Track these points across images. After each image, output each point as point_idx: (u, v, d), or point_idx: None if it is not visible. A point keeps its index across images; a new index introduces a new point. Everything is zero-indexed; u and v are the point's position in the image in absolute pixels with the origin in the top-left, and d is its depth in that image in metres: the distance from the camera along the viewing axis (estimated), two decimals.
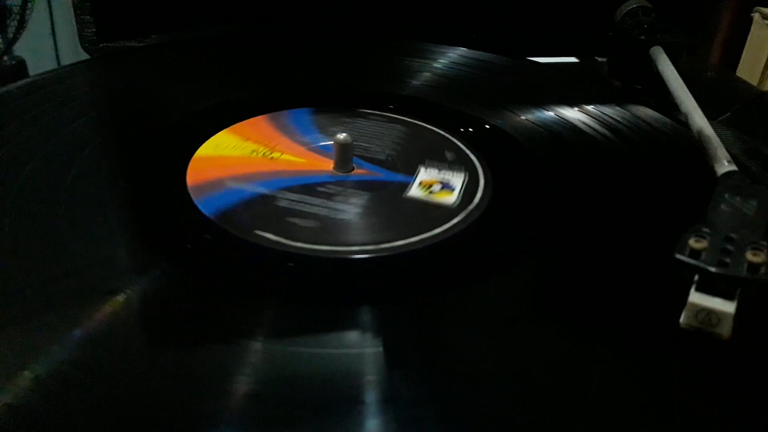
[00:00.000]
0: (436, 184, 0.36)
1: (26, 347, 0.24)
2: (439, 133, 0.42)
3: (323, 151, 0.39)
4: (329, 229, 0.32)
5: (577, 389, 0.24)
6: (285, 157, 0.38)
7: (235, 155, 0.38)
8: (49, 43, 1.08)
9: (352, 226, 0.32)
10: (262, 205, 0.33)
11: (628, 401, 0.24)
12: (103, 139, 0.38)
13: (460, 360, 0.25)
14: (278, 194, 0.34)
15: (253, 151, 0.38)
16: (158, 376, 0.23)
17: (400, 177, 0.37)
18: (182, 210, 0.32)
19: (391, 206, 0.34)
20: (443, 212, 0.33)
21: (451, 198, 0.35)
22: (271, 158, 0.38)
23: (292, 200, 0.34)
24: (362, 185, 0.36)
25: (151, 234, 0.31)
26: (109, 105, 0.44)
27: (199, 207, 0.32)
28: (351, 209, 0.33)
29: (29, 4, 1.02)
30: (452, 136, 0.41)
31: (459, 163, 0.38)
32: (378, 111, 0.44)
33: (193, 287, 0.28)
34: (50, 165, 0.35)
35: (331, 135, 0.39)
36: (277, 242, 0.30)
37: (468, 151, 0.40)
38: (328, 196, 0.34)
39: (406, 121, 0.43)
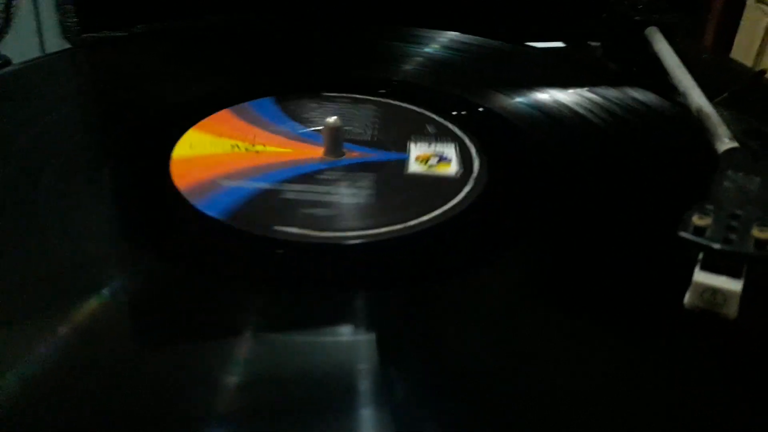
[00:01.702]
0: (433, 158, 0.35)
1: (12, 348, 0.23)
2: (412, 109, 0.41)
3: (306, 138, 0.37)
4: (349, 214, 0.31)
5: (581, 375, 0.23)
6: (270, 149, 0.36)
7: (217, 153, 0.35)
8: (36, 41, 1.07)
9: (369, 208, 0.31)
10: (269, 200, 0.31)
11: (632, 390, 0.23)
12: (78, 134, 0.37)
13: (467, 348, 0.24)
14: (281, 187, 0.33)
15: (233, 146, 0.36)
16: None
17: (393, 155, 0.36)
18: (188, 216, 0.30)
19: (399, 184, 0.33)
20: (450, 183, 0.33)
21: (451, 169, 0.35)
22: (256, 152, 0.36)
23: (298, 191, 0.32)
24: (361, 167, 0.35)
25: (168, 247, 0.29)
26: (85, 97, 0.42)
27: (205, 211, 0.30)
28: (362, 192, 0.32)
29: (13, 3, 1.00)
30: (426, 110, 0.40)
31: (443, 134, 0.38)
32: (343, 93, 0.42)
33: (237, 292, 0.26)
34: (28, 159, 0.33)
35: (306, 122, 0.38)
36: (304, 235, 0.29)
37: (448, 124, 0.39)
38: (333, 182, 0.33)
39: (375, 100, 0.42)
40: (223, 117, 0.39)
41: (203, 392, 0.21)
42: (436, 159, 0.35)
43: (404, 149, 0.36)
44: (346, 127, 0.38)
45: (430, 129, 0.38)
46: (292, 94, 0.42)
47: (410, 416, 0.21)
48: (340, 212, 0.31)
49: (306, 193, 0.32)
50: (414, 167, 0.35)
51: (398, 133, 0.38)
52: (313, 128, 0.38)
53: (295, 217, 0.30)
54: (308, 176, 0.34)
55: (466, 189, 0.33)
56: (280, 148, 0.36)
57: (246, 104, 0.40)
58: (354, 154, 0.36)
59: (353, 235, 0.29)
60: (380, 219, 0.30)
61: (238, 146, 0.36)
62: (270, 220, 0.30)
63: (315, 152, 0.36)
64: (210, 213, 0.30)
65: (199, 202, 0.31)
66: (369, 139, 0.37)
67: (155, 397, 0.21)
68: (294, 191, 0.32)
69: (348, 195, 0.32)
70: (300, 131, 0.38)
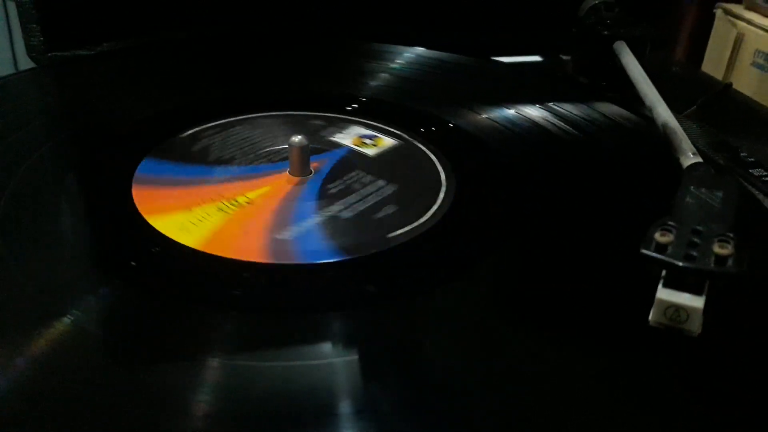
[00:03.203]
0: (363, 139, 0.39)
1: None
2: (426, 152, 0.39)
3: (262, 171, 0.36)
4: (405, 208, 0.33)
5: (552, 390, 0.23)
6: (253, 194, 0.34)
7: (221, 223, 0.31)
8: (8, 54, 1.06)
9: (419, 197, 0.34)
10: (341, 225, 0.31)
11: (604, 402, 0.23)
12: (49, 148, 0.37)
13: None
14: (327, 212, 0.32)
15: (220, 209, 0.32)
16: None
17: (338, 152, 0.38)
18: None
19: (399, 166, 0.36)
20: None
21: (385, 144, 0.39)
22: (249, 202, 0.33)
23: (344, 207, 0.33)
24: (344, 171, 0.36)
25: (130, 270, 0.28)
26: (55, 115, 0.42)
27: (305, 264, 0.29)
28: (390, 187, 0.35)
29: None
30: (438, 155, 0.38)
31: (330, 122, 0.41)
32: (204, 123, 0.40)
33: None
34: None
35: (225, 161, 0.36)
36: (408, 232, 0.31)
37: (443, 175, 0.37)
38: (357, 189, 0.34)
39: (243, 119, 0.41)
40: (146, 193, 0.33)
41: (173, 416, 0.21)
42: (366, 139, 0.39)
43: (334, 145, 0.39)
44: (266, 146, 0.38)
45: (318, 123, 0.41)
46: (161, 145, 0.38)
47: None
48: (396, 208, 0.33)
49: (351, 205, 0.33)
50: (368, 151, 0.38)
51: (303, 133, 0.36)
52: (237, 164, 0.36)
53: (380, 227, 0.31)
54: (326, 194, 0.34)
55: (434, 207, 0.33)
56: (261, 189, 0.34)
57: (143, 174, 0.35)
58: (316, 165, 0.36)
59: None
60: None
61: (223, 209, 0.32)
62: (371, 236, 0.31)
63: (285, 179, 0.35)
64: (316, 261, 0.29)
65: (287, 261, 0.29)
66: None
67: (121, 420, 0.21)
68: (343, 209, 0.33)
69: (384, 192, 0.34)
70: (246, 170, 0.36)
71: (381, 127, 0.41)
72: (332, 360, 0.24)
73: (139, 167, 0.35)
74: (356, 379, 0.23)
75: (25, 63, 1.02)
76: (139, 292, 0.27)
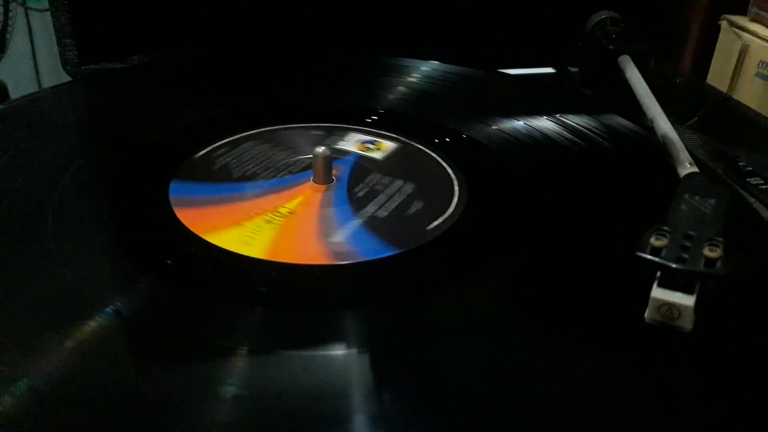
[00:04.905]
0: (366, 144, 0.42)
1: (21, 361, 0.24)
2: (440, 163, 0.41)
3: (288, 183, 0.38)
4: (429, 202, 0.36)
5: (559, 388, 0.25)
6: (291, 205, 0.36)
7: (274, 234, 0.33)
8: (30, 65, 1.09)
9: (437, 191, 0.37)
10: (382, 224, 0.34)
11: (604, 394, 0.25)
12: (84, 160, 0.39)
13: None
14: (364, 213, 0.35)
15: (267, 222, 0.34)
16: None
17: (349, 158, 0.40)
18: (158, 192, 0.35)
19: (408, 166, 0.39)
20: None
21: (387, 147, 0.41)
22: (291, 213, 0.35)
23: (377, 207, 0.36)
24: (362, 175, 0.38)
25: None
26: (91, 127, 0.44)
27: (370, 260, 0.32)
28: (409, 185, 0.37)
29: (9, 28, 1.03)
30: (451, 165, 0.41)
31: (329, 131, 0.43)
32: (214, 142, 0.42)
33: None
34: (32, 188, 0.35)
35: (251, 177, 0.38)
36: (441, 223, 0.34)
37: (456, 184, 0.39)
38: (381, 190, 0.37)
39: (249, 135, 0.43)
40: (197, 214, 0.35)
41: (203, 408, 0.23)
42: (368, 144, 0.41)
43: (343, 153, 0.41)
44: (284, 161, 0.40)
45: (317, 132, 0.43)
46: (181, 166, 0.39)
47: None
48: (423, 203, 0.36)
49: (384, 205, 0.36)
50: (376, 155, 0.41)
51: (312, 144, 0.41)
52: (263, 179, 0.38)
53: (410, 222, 0.34)
54: (355, 199, 0.36)
55: (455, 200, 0.36)
56: (295, 200, 0.37)
57: (179, 196, 0.36)
58: (335, 172, 0.38)
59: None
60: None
61: (270, 220, 0.35)
62: (409, 231, 0.34)
63: (313, 188, 0.37)
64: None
65: (348, 262, 0.32)
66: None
67: (154, 412, 0.23)
68: (378, 208, 0.36)
69: (404, 191, 0.37)
70: (276, 182, 0.38)
71: (378, 132, 0.44)
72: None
73: (171, 189, 0.37)
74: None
75: (48, 81, 1.05)
76: (235, 307, 0.28)
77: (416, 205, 0.36)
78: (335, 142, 0.42)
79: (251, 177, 0.38)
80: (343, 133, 0.44)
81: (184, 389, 0.24)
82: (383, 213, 0.35)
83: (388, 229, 0.34)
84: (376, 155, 0.41)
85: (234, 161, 0.40)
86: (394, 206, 0.36)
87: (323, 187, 0.37)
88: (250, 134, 0.43)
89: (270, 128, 0.44)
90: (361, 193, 0.37)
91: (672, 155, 0.37)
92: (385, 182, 0.38)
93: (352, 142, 0.42)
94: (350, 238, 0.33)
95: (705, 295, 0.26)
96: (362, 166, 0.40)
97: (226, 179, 0.38)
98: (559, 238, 0.34)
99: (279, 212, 0.35)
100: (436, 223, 0.34)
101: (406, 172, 0.39)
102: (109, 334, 0.26)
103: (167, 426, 0.22)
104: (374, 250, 0.32)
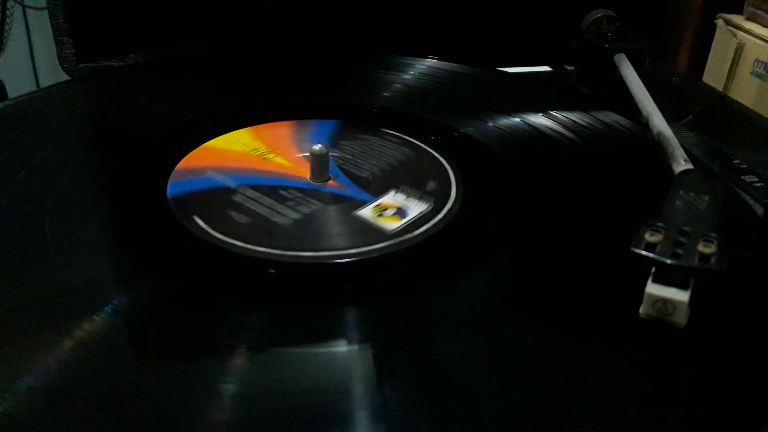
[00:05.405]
0: (391, 209, 0.35)
1: (21, 361, 0.25)
2: (438, 159, 0.41)
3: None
4: (257, 227, 0.33)
5: (559, 388, 0.25)
6: (277, 159, 0.40)
7: (237, 150, 0.40)
8: (28, 64, 1.09)
9: (278, 229, 0.33)
10: (217, 196, 0.35)
11: (607, 391, 0.25)
12: (83, 159, 0.39)
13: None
14: (240, 189, 0.36)
15: (253, 149, 0.40)
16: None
17: (365, 196, 0.36)
18: (156, 190, 0.36)
19: (332, 220, 0.34)
20: (377, 235, 0.33)
21: (394, 224, 0.34)
22: (264, 158, 0.39)
23: (248, 197, 0.35)
24: (323, 197, 0.36)
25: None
26: (90, 125, 0.44)
27: (168, 188, 0.35)
28: (291, 215, 0.34)
29: (6, 27, 1.03)
30: (449, 162, 0.40)
31: (434, 194, 0.37)
32: (397, 132, 0.43)
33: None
34: (30, 187, 0.35)
35: (337, 147, 0.41)
36: (203, 230, 0.33)
37: (453, 181, 0.38)
38: (282, 200, 0.35)
39: (416, 145, 0.42)
40: (281, 127, 0.43)
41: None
42: (393, 211, 0.35)
43: (381, 194, 0.37)
44: (361, 162, 0.40)
45: (430, 186, 0.37)
46: (354, 121, 0.45)
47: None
48: (250, 223, 0.33)
49: (251, 200, 0.35)
50: (365, 211, 0.35)
51: (396, 179, 0.38)
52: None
53: (214, 214, 0.34)
54: (272, 188, 0.36)
55: (378, 245, 0.33)
56: (285, 161, 0.40)
57: (310, 122, 0.44)
58: (334, 184, 0.37)
59: (222, 241, 0.32)
60: (271, 241, 0.32)
61: (257, 150, 0.40)
62: (196, 210, 0.34)
63: (308, 173, 0.38)
64: (169, 191, 0.35)
65: (173, 181, 0.36)
66: (365, 176, 0.38)
67: (154, 411, 0.23)
68: (245, 195, 0.36)
69: (277, 213, 0.34)
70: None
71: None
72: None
73: (169, 187, 0.37)
74: None
75: (46, 80, 1.05)
76: (234, 305, 0.29)
77: (431, 185, 0.36)
78: (414, 194, 0.38)
79: (336, 146, 0.41)
80: (430, 198, 0.37)
81: (184, 387, 0.24)
82: (238, 198, 0.35)
83: (202, 201, 0.35)
84: (364, 213, 0.35)
85: (359, 140, 0.42)
86: (248, 205, 0.35)
87: (322, 184, 0.38)
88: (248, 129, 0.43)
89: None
90: (281, 192, 0.36)
91: (667, 152, 0.37)
92: (288, 211, 0.35)
93: (403, 202, 0.36)
94: (204, 178, 0.37)
95: (699, 290, 0.27)
96: (338, 200, 0.37)
97: (329, 139, 0.42)
98: (556, 234, 0.34)
99: (267, 152, 0.40)
100: (434, 220, 0.34)
101: (399, 177, 0.38)
102: (109, 333, 0.26)
103: (167, 424, 0.23)
104: (175, 189, 0.36)
